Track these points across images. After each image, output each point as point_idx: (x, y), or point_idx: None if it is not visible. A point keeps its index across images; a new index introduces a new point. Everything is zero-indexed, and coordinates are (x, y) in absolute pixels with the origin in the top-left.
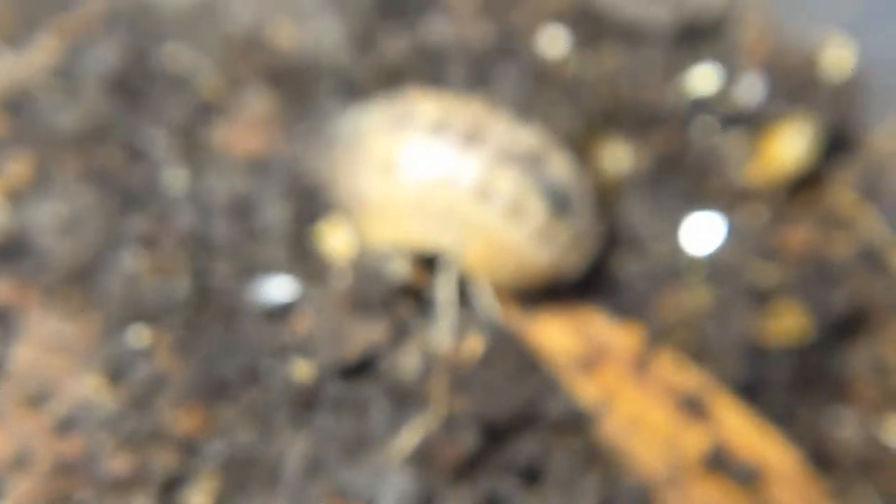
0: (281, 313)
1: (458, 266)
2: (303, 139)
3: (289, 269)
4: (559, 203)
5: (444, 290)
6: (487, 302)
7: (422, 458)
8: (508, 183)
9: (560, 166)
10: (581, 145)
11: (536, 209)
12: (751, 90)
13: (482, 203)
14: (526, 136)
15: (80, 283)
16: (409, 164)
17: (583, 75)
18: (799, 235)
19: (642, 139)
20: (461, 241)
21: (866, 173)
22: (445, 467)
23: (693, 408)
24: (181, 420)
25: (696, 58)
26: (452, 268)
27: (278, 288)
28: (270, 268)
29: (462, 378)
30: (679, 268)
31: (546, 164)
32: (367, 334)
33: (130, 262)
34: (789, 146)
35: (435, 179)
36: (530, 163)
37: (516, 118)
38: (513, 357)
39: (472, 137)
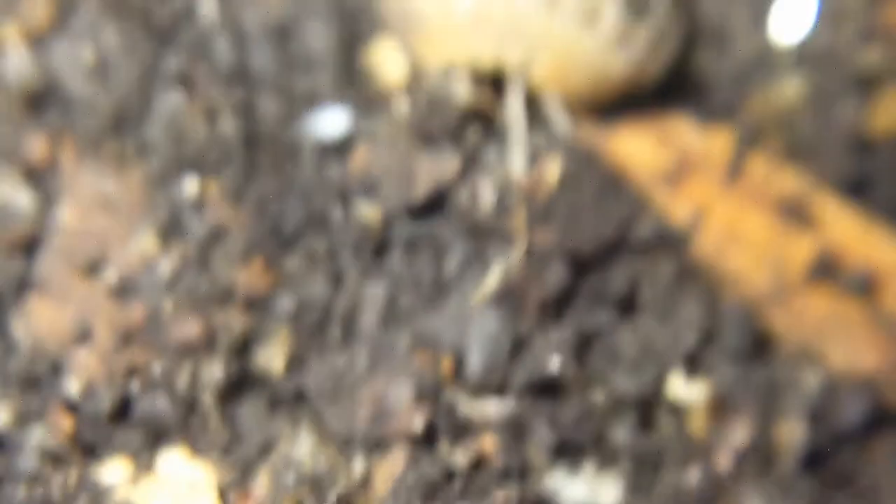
0: (338, 150)
1: (527, 83)
2: None
3: (341, 99)
4: (634, 1)
5: (513, 112)
6: (561, 120)
7: (507, 298)
8: None
9: None
10: None
11: (610, 10)
12: None
13: (550, 9)
14: None
15: (118, 132)
16: None
17: None
18: None
19: None
20: (529, 54)
21: None
22: (533, 306)
23: (795, 214)
24: (245, 275)
25: None
26: (520, 85)
27: (332, 122)
28: (320, 99)
29: (542, 207)
30: (769, 59)
31: None
32: (434, 168)
33: (170, 104)
34: None
35: None
36: None
37: None
38: (594, 178)
39: None
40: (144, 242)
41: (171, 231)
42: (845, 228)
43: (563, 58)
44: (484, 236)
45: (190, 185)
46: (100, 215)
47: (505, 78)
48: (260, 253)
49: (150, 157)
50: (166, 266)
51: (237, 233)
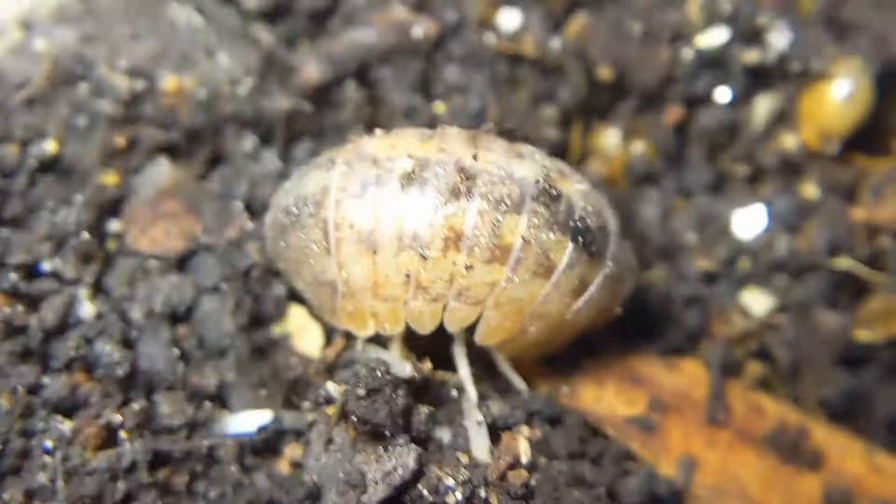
0: (262, 453)
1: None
2: (228, 220)
3: (253, 390)
4: (588, 242)
5: (465, 381)
6: (518, 382)
7: None
8: (522, 233)
9: (577, 194)
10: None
11: (562, 256)
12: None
13: (494, 265)
14: (524, 167)
15: None
16: (394, 231)
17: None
18: (878, 210)
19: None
20: (471, 316)
21: None
22: None
23: (791, 450)
24: None
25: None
26: (464, 350)
27: (248, 421)
28: (230, 394)
29: (518, 492)
30: (729, 274)
31: (561, 196)
32: (387, 466)
33: (56, 436)
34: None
35: (430, 248)
36: (543, 202)
37: (501, 136)
38: (568, 442)
39: (461, 187)
40: None
41: None
42: (849, 460)
43: (515, 312)
44: None
45: None
46: None
47: (453, 348)
48: None
49: None
50: None
51: None
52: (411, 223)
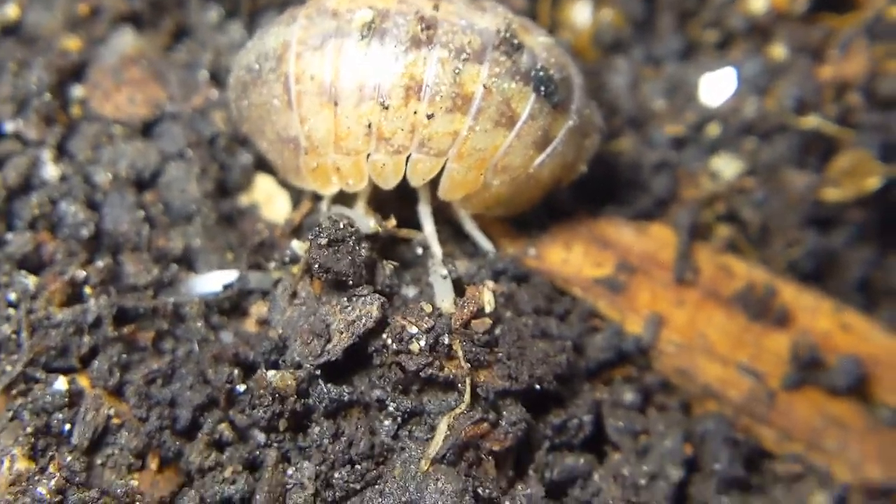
0: (229, 312)
1: (435, 203)
2: (194, 89)
3: (220, 252)
4: (550, 92)
5: (429, 237)
6: (482, 239)
7: (461, 456)
8: (483, 82)
9: (539, 46)
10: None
11: (525, 106)
12: None
13: (455, 114)
14: (486, 18)
15: None
16: (354, 81)
17: None
18: (846, 66)
19: None
20: (434, 168)
21: None
22: (493, 461)
23: (759, 309)
24: (141, 480)
25: None
26: (428, 205)
27: (215, 280)
28: (196, 256)
29: (482, 342)
30: (698, 139)
31: (523, 47)
32: (351, 315)
33: (21, 289)
34: None
35: (391, 98)
36: (504, 51)
37: None
38: (533, 299)
39: (422, 36)
40: (13, 464)
41: (44, 445)
42: (818, 319)
43: (478, 165)
44: (420, 388)
45: (58, 385)
46: None
47: (418, 202)
48: (155, 450)
49: (3, 358)
50: (45, 487)
51: (124, 432)
52: (372, 73)
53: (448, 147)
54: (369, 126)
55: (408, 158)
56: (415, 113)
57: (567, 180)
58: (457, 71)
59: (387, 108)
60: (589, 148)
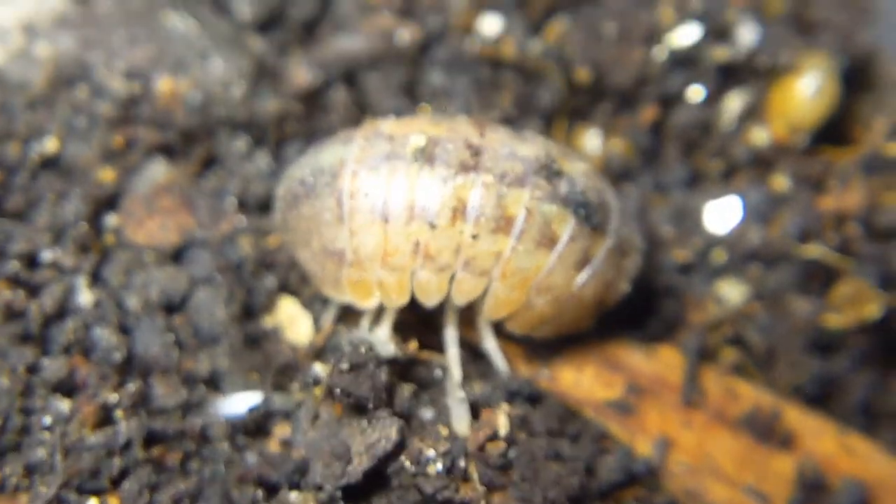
0: (253, 433)
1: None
2: (222, 215)
3: (245, 375)
4: (588, 215)
5: (451, 360)
6: (500, 362)
7: None
8: (525, 205)
9: (578, 172)
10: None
11: (565, 228)
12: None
13: (499, 235)
14: (527, 147)
15: None
16: (405, 201)
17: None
18: (846, 198)
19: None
20: (477, 287)
21: None
22: None
23: (765, 431)
24: None
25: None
26: (455, 328)
27: (240, 403)
28: (223, 379)
29: (496, 464)
30: (705, 264)
31: (562, 173)
32: (370, 438)
33: (55, 414)
34: (803, 94)
35: (439, 218)
36: (545, 177)
37: (505, 126)
38: (546, 421)
39: (470, 162)
40: None
41: None
42: (821, 442)
43: (520, 286)
44: None
45: None
46: None
47: (444, 324)
48: None
49: (38, 480)
50: None
51: None
52: (422, 194)
53: (492, 266)
54: (417, 244)
55: (452, 278)
56: (461, 233)
57: (611, 300)
58: (501, 194)
59: (434, 227)
60: (629, 267)
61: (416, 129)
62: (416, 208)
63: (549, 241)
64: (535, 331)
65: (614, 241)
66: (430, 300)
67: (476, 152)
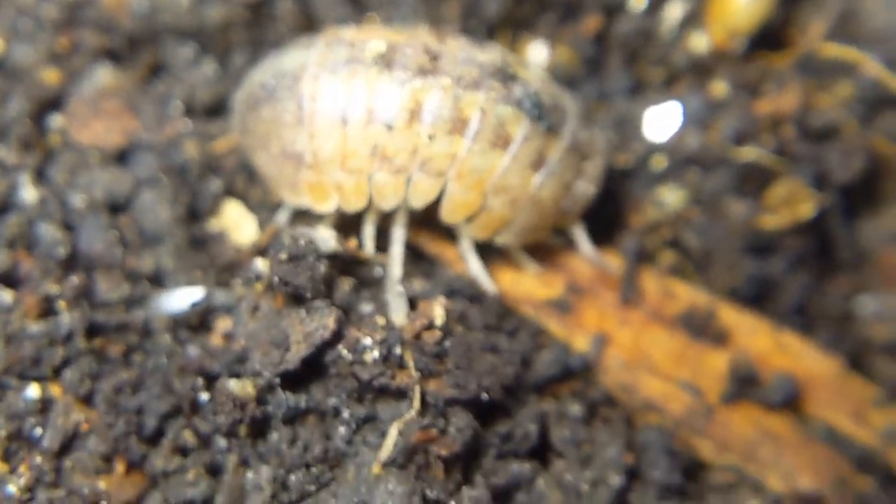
0: (195, 327)
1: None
2: (167, 120)
3: (189, 272)
4: (541, 116)
5: (394, 255)
6: (489, 286)
7: (410, 460)
8: (479, 105)
9: (533, 77)
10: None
11: (518, 129)
12: None
13: (454, 136)
14: (485, 54)
15: None
16: (364, 104)
17: None
18: (782, 100)
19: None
20: (433, 188)
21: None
22: (440, 466)
23: (701, 329)
24: (108, 483)
25: None
26: (403, 227)
27: (183, 298)
28: (167, 276)
29: (432, 353)
30: (644, 170)
31: (517, 77)
32: (308, 327)
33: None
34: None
35: (396, 120)
36: (500, 80)
37: (461, 36)
38: (483, 315)
39: (427, 66)
40: None
41: (15, 447)
42: (756, 339)
43: (478, 185)
44: (373, 396)
45: (31, 392)
46: None
47: (392, 220)
48: (122, 455)
49: None
50: (14, 486)
51: (93, 437)
52: (380, 97)
53: (447, 168)
54: (375, 147)
55: (409, 181)
56: (417, 134)
57: (576, 205)
58: (457, 96)
59: (392, 129)
60: (591, 171)
61: (377, 36)
62: (374, 111)
63: (503, 141)
64: (496, 235)
65: (570, 142)
66: (386, 203)
67: (434, 57)
